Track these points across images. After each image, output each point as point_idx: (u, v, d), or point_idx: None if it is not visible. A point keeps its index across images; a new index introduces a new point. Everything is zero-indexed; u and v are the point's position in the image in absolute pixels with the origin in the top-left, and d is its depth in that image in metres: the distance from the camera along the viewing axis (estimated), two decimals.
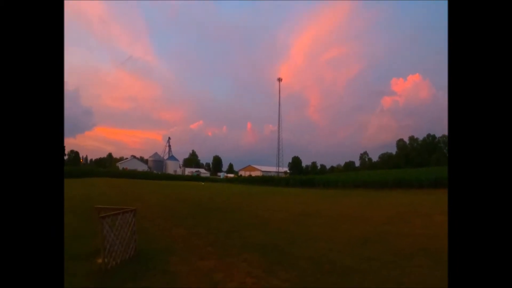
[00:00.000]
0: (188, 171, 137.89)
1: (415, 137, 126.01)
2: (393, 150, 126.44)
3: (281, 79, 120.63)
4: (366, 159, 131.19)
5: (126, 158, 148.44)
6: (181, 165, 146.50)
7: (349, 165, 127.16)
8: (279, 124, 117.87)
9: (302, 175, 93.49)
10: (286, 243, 10.69)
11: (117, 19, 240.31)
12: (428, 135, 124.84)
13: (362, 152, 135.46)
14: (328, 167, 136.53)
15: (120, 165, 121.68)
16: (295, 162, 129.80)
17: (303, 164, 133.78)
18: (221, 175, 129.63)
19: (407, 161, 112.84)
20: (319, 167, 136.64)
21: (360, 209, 21.86)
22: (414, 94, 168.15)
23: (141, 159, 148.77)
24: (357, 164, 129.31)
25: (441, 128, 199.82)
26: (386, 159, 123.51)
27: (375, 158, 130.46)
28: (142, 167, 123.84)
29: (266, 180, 68.55)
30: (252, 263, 8.28)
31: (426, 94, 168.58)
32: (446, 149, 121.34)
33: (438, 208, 22.31)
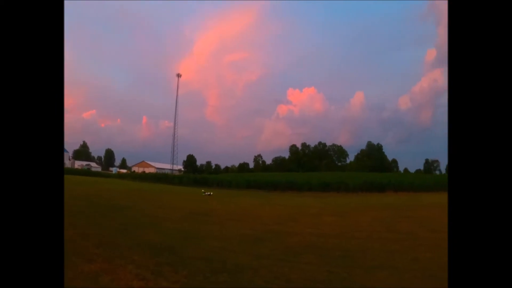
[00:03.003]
0: (78, 164, 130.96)
1: (307, 144, 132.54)
2: (286, 155, 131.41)
3: (181, 75, 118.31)
4: (260, 162, 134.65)
5: None
6: (70, 157, 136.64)
7: (243, 166, 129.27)
8: (175, 121, 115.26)
9: (196, 173, 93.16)
10: (178, 243, 10.57)
11: None
12: (320, 143, 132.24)
13: (256, 154, 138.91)
14: (222, 167, 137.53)
15: None
16: (190, 161, 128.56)
17: (198, 163, 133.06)
18: (114, 170, 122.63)
19: (299, 166, 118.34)
20: (213, 167, 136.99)
21: (252, 209, 22.32)
22: (309, 105, 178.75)
23: None
24: (251, 166, 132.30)
25: (331, 137, 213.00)
26: (279, 162, 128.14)
27: (268, 161, 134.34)
28: None
29: (160, 178, 67.24)
30: (141, 264, 7.92)
31: (319, 106, 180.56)
32: (335, 156, 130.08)
33: (327, 209, 23.68)
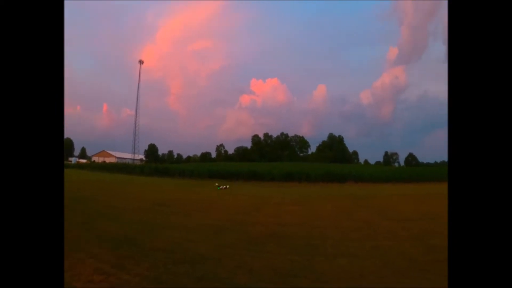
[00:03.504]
0: None
1: (270, 134, 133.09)
2: (249, 145, 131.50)
3: (143, 62, 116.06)
4: (222, 151, 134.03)
5: None
6: None
7: (206, 156, 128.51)
8: (137, 109, 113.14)
9: (158, 163, 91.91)
10: (139, 234, 10.49)
11: None
12: (282, 134, 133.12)
13: (219, 144, 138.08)
14: (184, 156, 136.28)
15: None
16: (152, 150, 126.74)
17: (160, 152, 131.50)
18: (73, 160, 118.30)
19: (261, 156, 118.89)
20: (175, 156, 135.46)
21: (215, 199, 22.29)
22: (272, 96, 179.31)
23: None
24: (214, 155, 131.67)
25: (294, 128, 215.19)
26: (241, 152, 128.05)
27: (231, 151, 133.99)
28: None
29: (121, 168, 66.02)
30: (102, 258, 7.76)
31: (282, 97, 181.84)
32: (297, 147, 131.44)
33: (288, 199, 23.91)
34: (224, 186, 32.69)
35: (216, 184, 34.10)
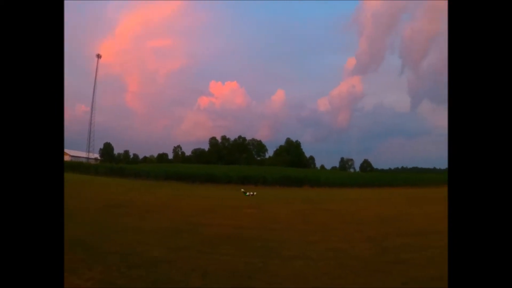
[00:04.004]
0: None
1: (227, 137, 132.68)
2: (206, 147, 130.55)
3: (101, 56, 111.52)
4: (180, 153, 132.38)
5: None
6: None
7: (162, 157, 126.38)
8: (92, 105, 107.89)
9: (113, 163, 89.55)
10: (93, 237, 10.23)
11: None
12: (239, 137, 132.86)
13: (176, 145, 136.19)
14: (141, 156, 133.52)
15: None
16: (107, 149, 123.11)
17: (116, 152, 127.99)
18: None
19: (219, 158, 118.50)
20: (131, 156, 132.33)
21: (171, 201, 22.06)
22: (230, 99, 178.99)
23: None
24: (171, 156, 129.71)
25: (251, 132, 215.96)
26: (199, 154, 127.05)
27: (188, 152, 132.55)
28: None
29: (75, 167, 63.53)
30: None
31: (241, 101, 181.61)
32: (255, 150, 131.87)
33: (245, 202, 23.97)
34: (251, 193, 30.79)
35: (242, 190, 32.35)
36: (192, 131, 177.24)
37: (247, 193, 29.88)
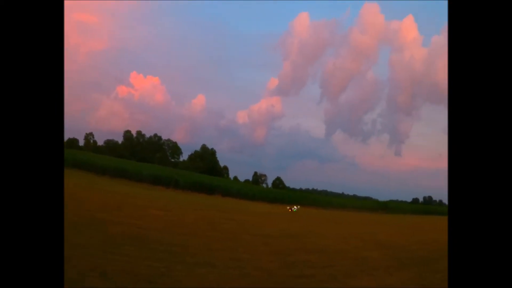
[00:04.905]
0: None
1: (143, 133, 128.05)
2: (120, 139, 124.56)
3: None
4: (92, 141, 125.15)
5: None
6: None
7: (73, 143, 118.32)
8: None
9: None
10: None
11: None
12: (155, 135, 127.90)
13: (88, 132, 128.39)
14: None
15: None
16: None
17: None
18: None
19: (132, 154, 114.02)
20: None
21: (76, 192, 20.66)
22: (150, 94, 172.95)
23: None
24: (81, 143, 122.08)
25: (168, 132, 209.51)
26: (111, 146, 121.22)
27: (100, 142, 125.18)
28: None
29: None
30: None
31: (161, 98, 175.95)
32: (170, 151, 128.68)
33: (155, 202, 23.39)
34: (294, 207, 28.93)
35: (288, 207, 30.42)
36: (107, 119, 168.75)
37: (293, 208, 29.18)
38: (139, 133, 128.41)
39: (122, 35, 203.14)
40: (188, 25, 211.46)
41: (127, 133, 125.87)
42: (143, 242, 10.15)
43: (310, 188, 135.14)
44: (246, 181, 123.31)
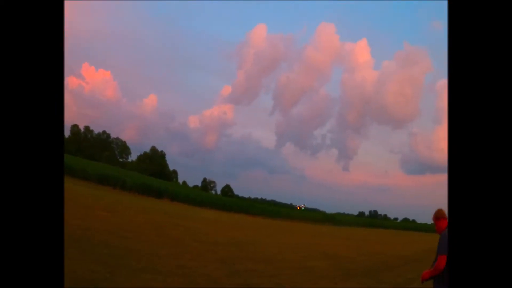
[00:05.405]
0: None
1: (91, 128, 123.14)
2: (66, 134, 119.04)
3: None
4: None
5: None
6: None
7: None
8: None
9: None
10: None
11: None
12: (104, 132, 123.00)
13: None
14: None
15: None
16: None
17: None
18: None
19: (78, 150, 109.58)
20: None
21: None
22: (101, 89, 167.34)
23: None
24: None
25: (117, 131, 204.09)
26: None
27: None
28: None
29: None
30: None
31: (111, 94, 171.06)
32: (118, 151, 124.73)
33: (101, 203, 22.64)
34: (302, 206, 27.97)
35: (298, 206, 28.95)
36: None
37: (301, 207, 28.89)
38: (87, 128, 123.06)
39: (77, 22, 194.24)
40: (146, 20, 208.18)
41: (74, 128, 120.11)
42: (86, 244, 9.87)
43: (259, 197, 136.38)
44: (195, 186, 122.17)
